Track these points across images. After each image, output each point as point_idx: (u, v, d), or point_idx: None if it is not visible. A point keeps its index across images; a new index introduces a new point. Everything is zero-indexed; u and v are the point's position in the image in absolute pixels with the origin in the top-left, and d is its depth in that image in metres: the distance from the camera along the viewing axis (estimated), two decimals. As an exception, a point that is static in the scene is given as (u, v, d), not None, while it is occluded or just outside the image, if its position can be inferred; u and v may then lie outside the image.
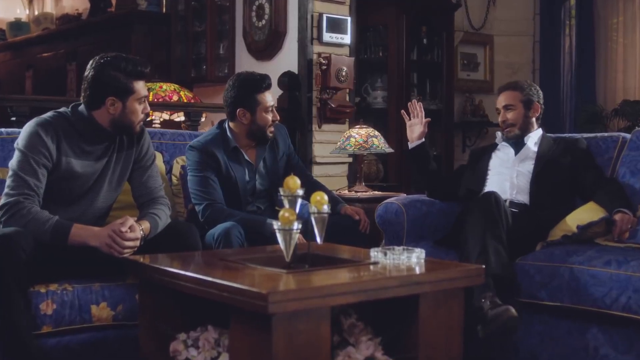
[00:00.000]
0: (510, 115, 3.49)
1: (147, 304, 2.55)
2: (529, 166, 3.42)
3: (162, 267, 2.41)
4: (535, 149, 3.46)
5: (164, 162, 3.52)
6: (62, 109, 2.83)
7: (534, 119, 3.50)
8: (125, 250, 2.61)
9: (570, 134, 3.73)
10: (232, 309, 2.12)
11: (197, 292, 2.21)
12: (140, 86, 2.80)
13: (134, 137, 2.90)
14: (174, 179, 3.51)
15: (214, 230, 3.09)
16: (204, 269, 2.40)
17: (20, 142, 2.70)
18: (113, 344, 2.73)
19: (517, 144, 3.51)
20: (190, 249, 2.77)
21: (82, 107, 2.80)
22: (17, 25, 8.81)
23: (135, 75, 2.77)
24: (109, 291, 2.74)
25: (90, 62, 2.79)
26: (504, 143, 3.57)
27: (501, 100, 3.53)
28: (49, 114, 2.79)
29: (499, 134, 3.63)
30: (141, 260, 2.53)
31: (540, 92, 3.56)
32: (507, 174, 3.43)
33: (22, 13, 9.16)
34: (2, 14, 9.04)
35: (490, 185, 3.43)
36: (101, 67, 2.74)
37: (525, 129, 3.49)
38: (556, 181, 3.35)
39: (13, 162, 2.69)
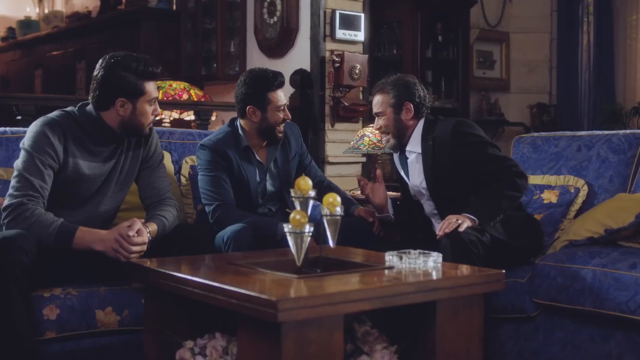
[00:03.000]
0: (382, 122, 3.20)
1: (153, 309, 2.50)
2: (427, 197, 3.17)
3: (168, 272, 2.34)
4: (420, 164, 3.15)
5: (172, 162, 3.47)
6: (69, 109, 2.78)
7: (408, 120, 3.17)
8: (132, 255, 2.54)
9: (448, 118, 3.29)
10: (240, 316, 2.06)
11: (204, 298, 2.16)
12: (151, 87, 2.74)
13: (142, 137, 2.83)
14: (182, 179, 3.45)
15: (223, 232, 3.02)
16: (211, 274, 2.36)
17: (26, 141, 2.65)
18: (119, 349, 2.69)
19: (404, 164, 3.24)
20: (200, 252, 2.72)
21: (90, 107, 2.74)
22: (26, 24, 8.84)
23: (146, 76, 2.71)
24: (115, 295, 2.69)
25: (100, 61, 2.73)
26: (396, 161, 3.31)
27: (373, 107, 3.27)
28: (55, 113, 2.74)
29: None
30: (147, 264, 2.47)
31: (413, 86, 3.20)
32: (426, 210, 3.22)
33: (32, 11, 9.20)
34: (12, 12, 9.07)
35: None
36: (111, 67, 2.68)
37: (401, 135, 3.18)
38: (455, 187, 3.07)
39: (18, 163, 2.63)
